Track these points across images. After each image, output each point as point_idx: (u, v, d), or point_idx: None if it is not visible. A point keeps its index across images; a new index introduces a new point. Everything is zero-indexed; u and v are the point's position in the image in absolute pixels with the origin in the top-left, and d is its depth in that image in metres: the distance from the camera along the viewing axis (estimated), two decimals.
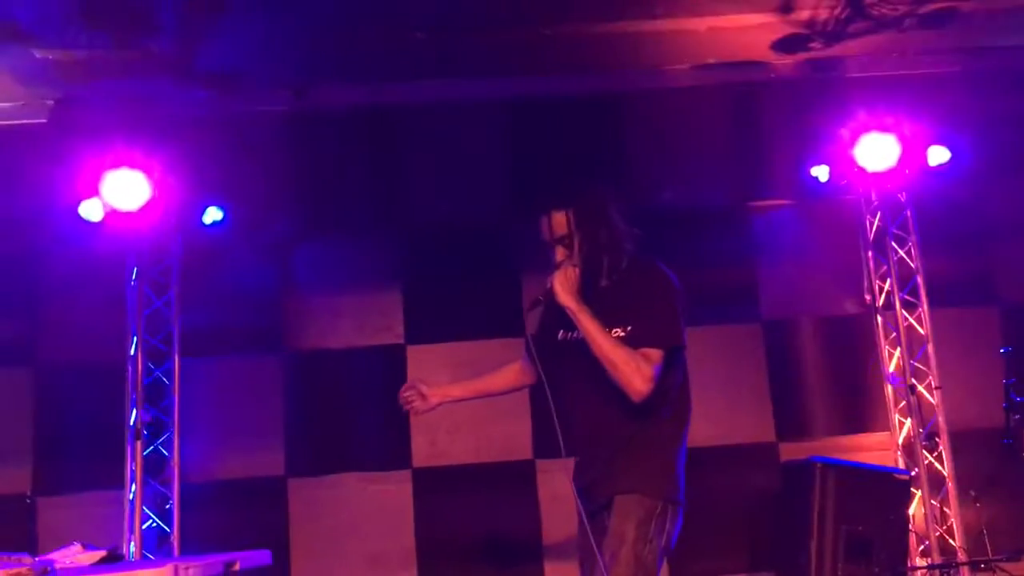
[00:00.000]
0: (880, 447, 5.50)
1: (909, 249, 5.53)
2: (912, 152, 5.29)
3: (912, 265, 5.51)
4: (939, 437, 5.27)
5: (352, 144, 5.83)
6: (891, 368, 5.46)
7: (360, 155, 5.85)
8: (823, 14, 5.31)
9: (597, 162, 5.86)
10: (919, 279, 5.47)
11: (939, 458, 5.27)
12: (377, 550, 5.35)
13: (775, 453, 5.52)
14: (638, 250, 2.84)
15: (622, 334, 2.63)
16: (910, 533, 4.93)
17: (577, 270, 2.72)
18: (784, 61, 5.83)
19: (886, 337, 5.52)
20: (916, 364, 5.36)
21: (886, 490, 4.78)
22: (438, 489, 5.46)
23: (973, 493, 5.01)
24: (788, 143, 5.81)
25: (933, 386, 5.31)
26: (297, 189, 5.75)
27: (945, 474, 5.23)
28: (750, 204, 5.88)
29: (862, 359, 5.63)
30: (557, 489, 5.44)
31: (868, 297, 5.62)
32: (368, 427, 5.62)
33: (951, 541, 5.17)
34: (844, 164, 5.39)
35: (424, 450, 5.51)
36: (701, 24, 5.40)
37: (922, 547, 5.16)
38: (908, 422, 5.31)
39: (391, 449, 5.52)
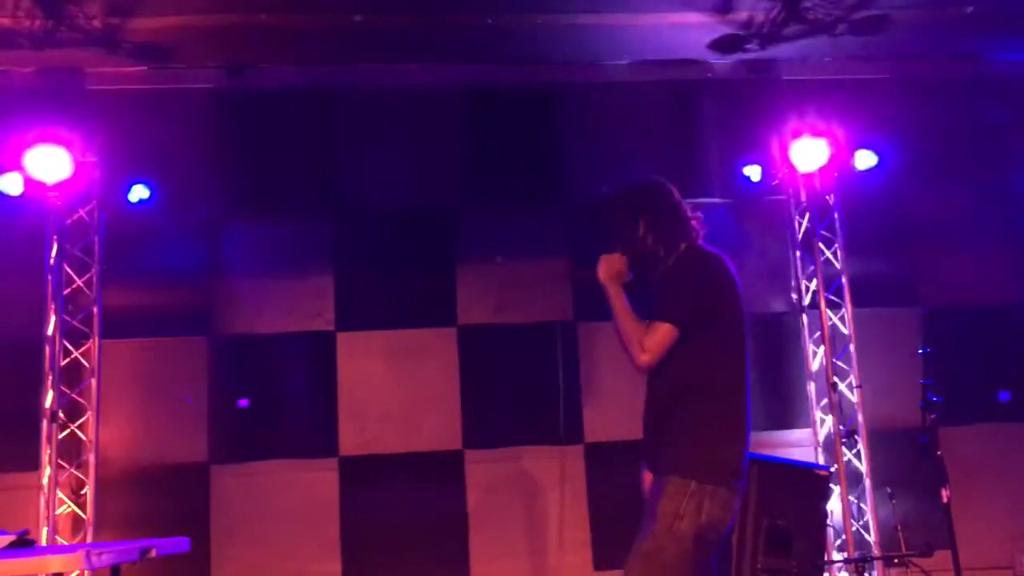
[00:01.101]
0: (802, 443, 5.61)
1: (835, 250, 5.65)
2: (841, 155, 5.40)
3: (838, 266, 5.63)
4: (858, 435, 5.41)
5: (287, 125, 5.73)
6: (814, 366, 5.57)
7: (295, 137, 5.75)
8: (760, 16, 5.39)
9: (538, 153, 5.88)
10: (844, 280, 5.60)
11: (858, 455, 5.40)
12: (301, 539, 5.27)
13: None
14: (692, 242, 3.00)
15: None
16: (828, 528, 5.03)
17: (623, 256, 2.98)
18: (721, 61, 5.91)
19: (811, 336, 5.62)
20: (838, 363, 5.48)
21: (807, 485, 4.85)
22: (365, 478, 5.42)
23: (889, 490, 5.14)
24: (723, 142, 5.90)
25: (854, 385, 5.43)
26: (229, 169, 5.64)
27: (863, 471, 5.36)
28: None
29: (788, 357, 5.74)
30: (485, 479, 5.46)
31: (795, 296, 5.72)
32: (295, 414, 5.55)
33: (867, 536, 5.30)
34: (776, 165, 5.49)
35: (352, 438, 5.46)
36: (641, 20, 5.44)
37: (839, 541, 5.29)
38: (829, 419, 5.42)
39: (318, 437, 5.46)
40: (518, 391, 5.63)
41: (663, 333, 2.75)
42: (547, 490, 5.50)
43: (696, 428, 2.76)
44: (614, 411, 5.59)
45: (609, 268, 2.98)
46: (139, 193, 5.33)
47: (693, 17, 5.39)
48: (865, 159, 5.48)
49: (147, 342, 5.44)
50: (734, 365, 2.88)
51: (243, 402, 5.45)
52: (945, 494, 4.38)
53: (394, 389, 5.57)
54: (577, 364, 5.67)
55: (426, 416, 5.52)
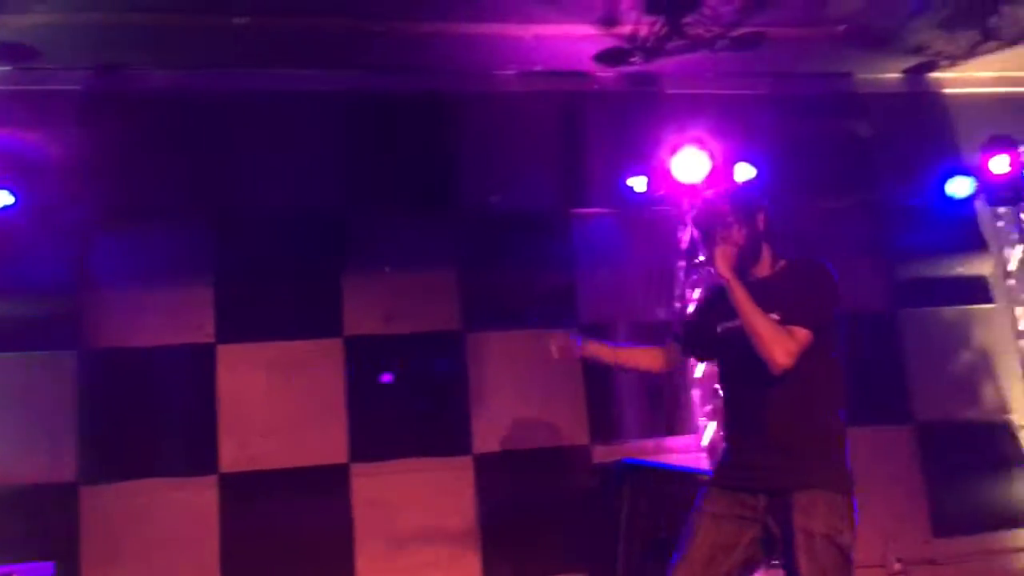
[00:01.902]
0: (687, 449, 5.70)
1: None
2: (722, 168, 5.52)
3: None
4: None
5: (164, 129, 5.48)
6: (698, 373, 5.67)
7: (173, 141, 5.51)
8: (643, 30, 5.50)
9: (428, 161, 5.84)
10: None
11: None
12: (178, 560, 5.04)
13: (589, 455, 5.63)
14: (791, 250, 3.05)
15: (776, 318, 2.77)
16: None
17: (735, 249, 2.88)
18: (606, 73, 6.00)
19: None
20: None
21: (691, 491, 4.94)
22: (247, 495, 5.23)
23: None
24: (609, 153, 5.97)
25: None
26: (100, 174, 5.35)
27: None
28: (572, 211, 5.98)
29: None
30: (372, 493, 5.35)
31: (678, 305, 5.82)
32: (172, 430, 5.32)
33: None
34: (660, 176, 5.57)
35: (233, 454, 5.26)
36: (527, 31, 5.47)
37: None
38: (712, 425, 5.52)
39: (197, 454, 5.25)
40: (406, 402, 5.56)
41: (803, 337, 2.75)
42: (436, 502, 5.43)
43: (835, 440, 2.84)
44: (503, 421, 5.60)
45: (727, 261, 2.86)
46: (3, 199, 5.03)
47: (579, 29, 5.46)
48: (744, 172, 5.61)
49: (9, 356, 5.13)
50: (841, 370, 2.95)
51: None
52: None
53: (277, 403, 5.41)
54: (466, 374, 5.64)
55: (311, 430, 5.38)
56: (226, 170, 5.58)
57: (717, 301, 2.99)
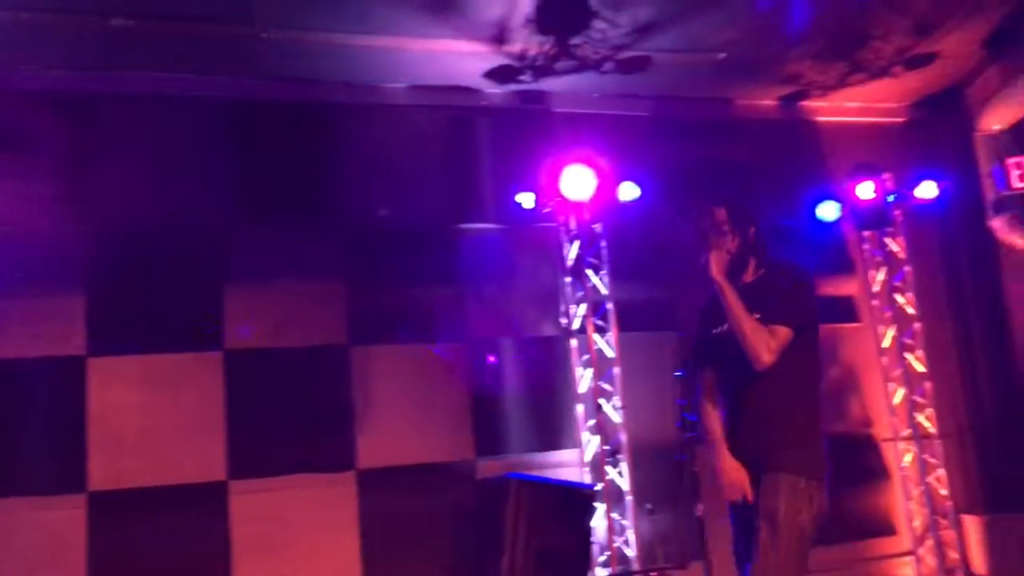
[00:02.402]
0: (570, 463, 5.77)
1: (603, 276, 5.89)
2: (607, 186, 5.64)
3: (604, 292, 5.87)
4: (621, 453, 5.64)
5: (33, 132, 5.23)
6: (582, 389, 5.76)
7: (43, 145, 5.25)
8: (533, 49, 5.57)
9: (316, 172, 5.75)
10: (610, 305, 5.84)
11: (621, 473, 5.63)
12: None
13: (473, 470, 5.64)
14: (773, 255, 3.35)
15: (758, 317, 3.09)
16: (593, 544, 5.20)
17: (728, 256, 3.20)
18: (496, 90, 6.05)
19: (578, 359, 5.82)
20: (604, 385, 5.70)
21: (573, 504, 5.02)
22: (117, 515, 4.99)
23: (649, 506, 5.40)
24: (497, 169, 6.02)
25: (618, 406, 5.67)
26: None
27: (625, 488, 5.59)
28: (460, 226, 5.99)
29: (557, 380, 5.90)
30: (252, 511, 5.21)
31: (564, 321, 5.90)
32: (37, 446, 5.05)
33: (628, 551, 5.53)
34: (547, 193, 5.65)
35: (102, 472, 5.03)
36: (417, 45, 5.46)
37: (603, 557, 5.47)
38: (595, 439, 5.61)
39: (64, 471, 5.00)
40: (288, 417, 5.43)
41: (784, 336, 3.07)
42: (318, 519, 5.33)
43: (809, 429, 3.15)
44: (388, 436, 5.54)
45: (719, 266, 3.19)
46: None
47: (469, 46, 5.49)
48: (628, 191, 5.75)
49: None
50: (820, 368, 3.30)
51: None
52: (700, 508, 4.63)
53: (152, 418, 5.20)
54: (351, 389, 5.56)
55: (187, 446, 5.20)
56: (102, 176, 5.35)
57: (710, 309, 3.31)
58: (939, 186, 6.15)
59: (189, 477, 5.15)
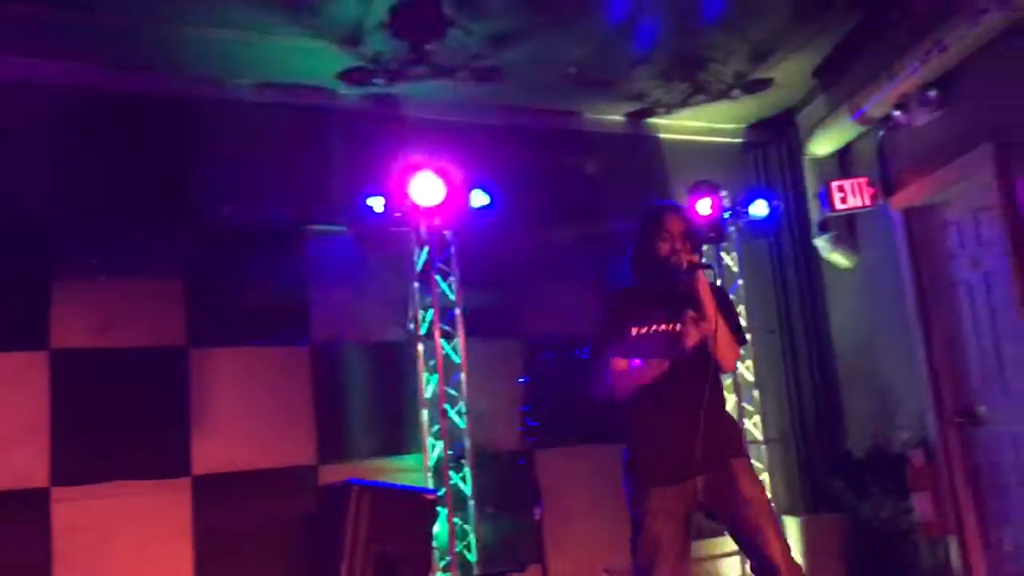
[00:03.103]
0: (415, 469, 5.77)
1: (451, 283, 5.93)
2: (458, 193, 5.69)
3: (453, 298, 5.91)
4: (465, 459, 5.69)
5: None
6: (427, 394, 5.77)
7: None
8: (388, 53, 5.55)
9: (155, 166, 5.54)
10: (457, 311, 5.88)
11: (464, 478, 5.68)
12: None
13: (316, 476, 5.56)
14: None
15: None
16: (434, 550, 5.22)
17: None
18: (349, 92, 5.99)
19: (425, 364, 5.83)
20: (450, 390, 5.73)
21: (415, 510, 5.03)
22: None
23: (491, 511, 5.47)
24: (349, 171, 5.95)
25: (463, 411, 5.71)
26: None
27: (468, 493, 5.64)
28: (308, 227, 5.90)
29: (403, 385, 5.89)
30: (76, 519, 4.96)
31: (412, 326, 5.90)
32: None
33: (469, 556, 5.58)
34: (398, 197, 5.63)
35: None
36: (269, 41, 5.35)
37: (444, 562, 5.50)
38: (440, 445, 5.64)
39: None
40: (119, 421, 5.19)
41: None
42: (148, 527, 5.12)
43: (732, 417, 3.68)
44: (227, 441, 5.40)
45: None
46: None
47: (322, 45, 5.41)
48: (479, 199, 5.81)
49: None
50: None
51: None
52: (537, 513, 4.75)
53: None
54: (188, 392, 5.38)
55: (5, 451, 4.89)
56: None
57: (631, 307, 3.42)
58: (771, 205, 6.51)
59: (6, 483, 4.85)
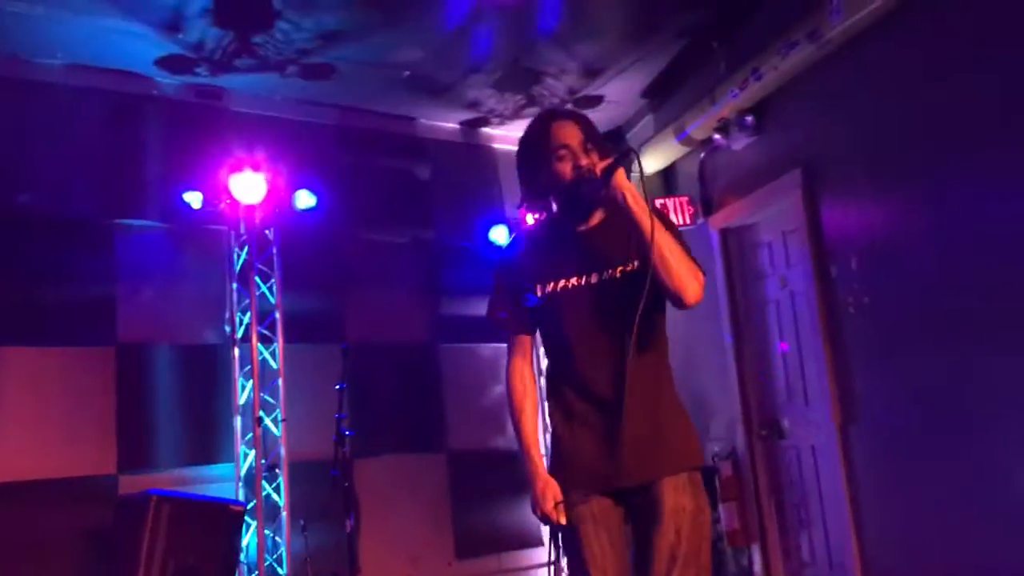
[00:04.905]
0: (226, 478, 5.51)
1: (272, 285, 5.71)
2: (282, 192, 5.50)
3: (273, 301, 5.69)
4: (279, 468, 5.48)
5: None
6: (242, 400, 5.53)
7: None
8: (211, 42, 5.31)
9: None
10: (278, 314, 5.68)
11: (278, 488, 5.47)
12: None
13: (115, 486, 5.21)
14: None
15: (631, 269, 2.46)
16: (241, 563, 4.99)
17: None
18: (169, 80, 5.69)
19: (241, 369, 5.59)
20: (266, 397, 5.51)
21: (221, 521, 4.79)
22: None
23: (302, 521, 5.28)
24: (166, 164, 5.67)
25: (280, 419, 5.51)
26: None
27: (281, 504, 5.44)
28: (118, 222, 5.54)
29: (217, 390, 5.62)
30: None
31: (228, 329, 5.65)
32: None
33: (279, 569, 5.37)
34: (218, 193, 5.39)
35: None
36: (81, 21, 5.01)
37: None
38: (252, 453, 5.41)
39: None
40: None
41: (703, 276, 2.46)
42: None
43: (686, 414, 2.54)
44: (18, 448, 5.02)
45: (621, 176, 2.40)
46: None
47: (139, 29, 5.12)
48: (305, 199, 5.64)
49: None
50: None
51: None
52: (348, 524, 4.62)
53: None
54: None
55: None
56: None
57: (531, 262, 2.58)
58: None
59: None
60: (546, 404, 2.64)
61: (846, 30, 4.55)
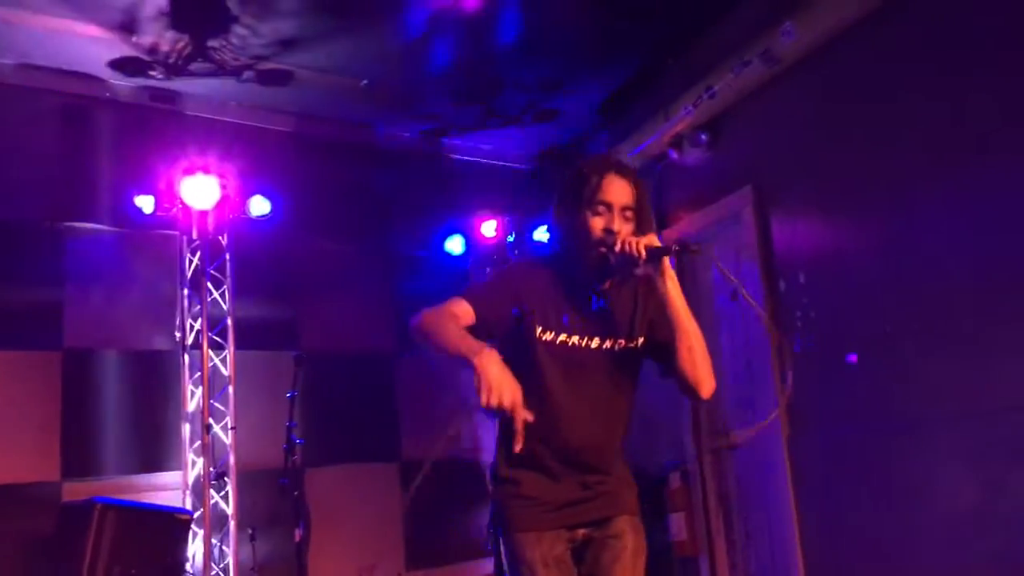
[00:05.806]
0: (173, 486, 5.44)
1: (224, 291, 5.66)
2: (236, 198, 5.46)
3: (225, 307, 5.64)
4: (228, 477, 5.42)
5: None
6: (191, 407, 5.47)
7: None
8: (166, 45, 5.28)
9: None
10: (230, 321, 5.62)
11: (226, 497, 5.40)
12: None
13: (59, 493, 5.11)
14: None
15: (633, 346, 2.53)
16: (187, 573, 4.92)
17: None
18: (122, 83, 5.63)
19: (191, 376, 5.52)
20: (216, 404, 5.46)
21: (167, 530, 4.73)
22: None
23: (251, 531, 5.22)
24: (117, 167, 5.61)
25: (229, 427, 5.45)
26: None
27: (229, 513, 5.37)
28: (67, 224, 5.46)
29: (165, 396, 5.55)
30: None
31: (179, 334, 5.58)
32: None
33: None
34: (170, 198, 5.34)
35: None
36: (32, 20, 4.94)
37: None
38: (200, 461, 5.34)
39: None
40: None
41: None
42: None
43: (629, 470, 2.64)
44: None
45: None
46: None
47: (93, 30, 5.07)
48: (259, 205, 5.61)
49: None
50: None
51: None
52: (297, 534, 4.57)
53: None
54: None
55: None
56: None
57: (540, 297, 2.46)
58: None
59: None
60: (498, 451, 2.54)
61: (797, 51, 4.66)
